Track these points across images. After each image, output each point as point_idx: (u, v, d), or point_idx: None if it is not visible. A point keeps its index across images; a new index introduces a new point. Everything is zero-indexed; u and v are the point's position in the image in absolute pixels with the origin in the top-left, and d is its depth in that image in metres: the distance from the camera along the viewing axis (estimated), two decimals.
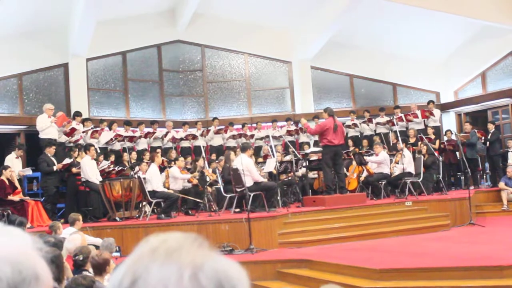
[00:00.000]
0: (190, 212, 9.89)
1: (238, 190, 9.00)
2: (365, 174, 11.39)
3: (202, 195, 9.85)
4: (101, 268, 4.16)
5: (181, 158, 10.42)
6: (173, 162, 10.47)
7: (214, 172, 10.84)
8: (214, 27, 15.00)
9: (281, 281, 6.77)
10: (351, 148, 12.82)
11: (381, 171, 11.10)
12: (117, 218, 9.11)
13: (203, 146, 12.08)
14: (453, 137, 12.27)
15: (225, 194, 9.43)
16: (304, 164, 10.99)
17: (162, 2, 14.36)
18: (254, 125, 14.30)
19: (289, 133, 13.58)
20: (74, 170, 9.83)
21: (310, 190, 11.32)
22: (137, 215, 9.49)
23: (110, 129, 12.09)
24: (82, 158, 9.99)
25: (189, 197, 9.91)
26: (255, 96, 15.61)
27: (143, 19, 14.17)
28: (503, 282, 5.25)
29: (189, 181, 10.32)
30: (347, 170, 11.84)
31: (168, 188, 9.74)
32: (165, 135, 12.82)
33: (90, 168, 9.64)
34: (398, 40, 14.92)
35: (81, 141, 11.10)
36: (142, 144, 12.51)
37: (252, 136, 13.58)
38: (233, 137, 13.38)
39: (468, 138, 12.27)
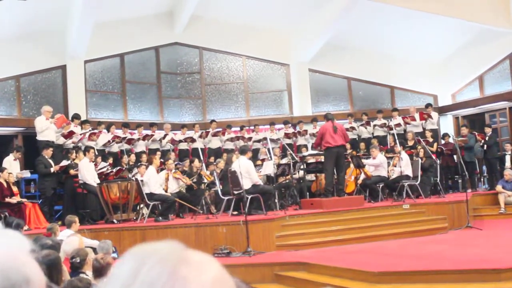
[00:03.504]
0: (181, 215, 9.93)
1: (236, 192, 8.99)
2: (362, 177, 11.39)
3: (199, 197, 9.83)
4: (102, 271, 4.14)
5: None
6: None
7: (211, 174, 10.83)
8: (212, 29, 14.99)
9: (279, 284, 6.75)
10: (349, 151, 12.80)
11: (379, 174, 11.11)
12: (114, 221, 9.10)
13: (201, 149, 12.06)
14: (451, 141, 12.28)
15: (222, 197, 9.42)
16: (301, 166, 10.97)
17: (160, 4, 14.35)
18: (252, 127, 14.28)
19: (286, 135, 13.57)
20: (72, 172, 9.81)
21: (307, 193, 11.30)
22: (134, 218, 9.48)
23: (108, 131, 12.07)
24: (80, 160, 9.98)
25: (185, 203, 9.89)
26: (253, 99, 15.60)
27: (141, 21, 14.16)
28: (500, 285, 5.24)
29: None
30: (345, 173, 11.83)
31: (166, 191, 9.72)
32: (164, 137, 12.79)
33: (88, 171, 9.62)
34: (396, 43, 14.93)
35: (79, 143, 11.10)
36: (140, 147, 12.48)
37: (250, 138, 13.56)
38: (231, 139, 13.37)
39: (466, 142, 12.28)
